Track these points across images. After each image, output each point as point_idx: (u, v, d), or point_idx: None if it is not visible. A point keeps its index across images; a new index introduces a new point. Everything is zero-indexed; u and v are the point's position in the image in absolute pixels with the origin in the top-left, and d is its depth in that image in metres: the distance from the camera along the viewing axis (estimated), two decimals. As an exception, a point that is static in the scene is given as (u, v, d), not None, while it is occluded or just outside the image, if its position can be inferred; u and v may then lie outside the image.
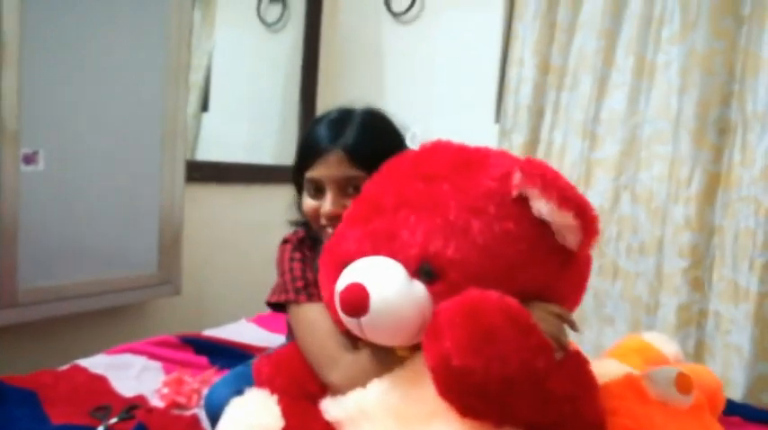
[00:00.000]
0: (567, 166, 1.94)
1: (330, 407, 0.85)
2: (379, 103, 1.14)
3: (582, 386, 0.75)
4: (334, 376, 0.89)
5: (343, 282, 0.77)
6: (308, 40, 2.45)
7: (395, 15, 2.34)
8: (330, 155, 0.98)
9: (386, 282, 0.75)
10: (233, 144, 2.35)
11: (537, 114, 2.02)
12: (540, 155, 2.00)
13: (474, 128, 2.11)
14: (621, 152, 1.85)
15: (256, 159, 2.33)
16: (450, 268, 0.75)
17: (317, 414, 0.85)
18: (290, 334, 1.18)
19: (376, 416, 0.78)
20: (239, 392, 0.93)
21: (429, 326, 0.73)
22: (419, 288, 0.76)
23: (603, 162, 1.88)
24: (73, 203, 1.53)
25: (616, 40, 1.87)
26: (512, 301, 0.70)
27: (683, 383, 0.84)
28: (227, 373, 1.16)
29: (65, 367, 1.25)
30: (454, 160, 0.85)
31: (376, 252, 0.80)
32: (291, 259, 1.05)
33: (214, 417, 1.01)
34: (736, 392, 1.60)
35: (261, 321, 1.72)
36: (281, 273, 1.05)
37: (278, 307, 1.06)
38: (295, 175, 1.07)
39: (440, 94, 2.24)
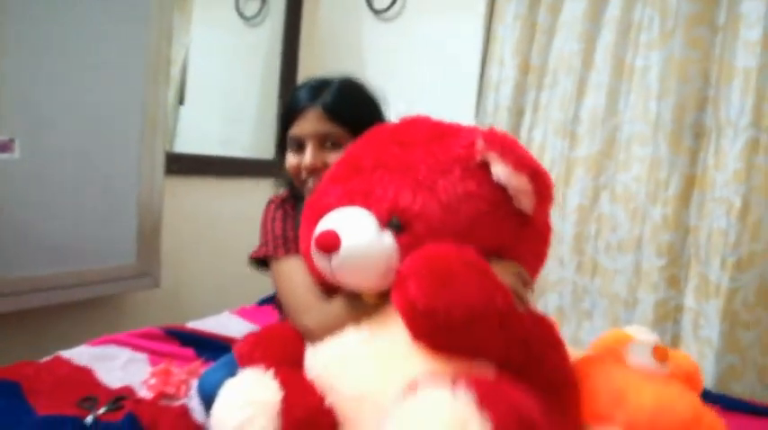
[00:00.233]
0: (546, 165, 1.98)
1: (311, 364, 0.89)
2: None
3: (546, 335, 0.83)
4: (308, 320, 0.94)
5: (319, 228, 0.84)
6: (288, 35, 2.44)
7: (376, 13, 2.35)
8: (309, 112, 1.06)
9: (356, 228, 0.83)
10: (209, 137, 2.32)
11: (517, 114, 2.06)
12: (519, 153, 2.04)
13: (454, 126, 2.13)
14: (601, 152, 1.90)
15: (233, 153, 2.31)
16: (415, 221, 0.84)
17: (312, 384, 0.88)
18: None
19: (357, 360, 0.83)
20: (233, 375, 0.94)
21: (395, 280, 0.78)
22: (388, 238, 0.84)
23: (583, 161, 1.93)
24: (49, 193, 1.48)
25: (595, 43, 1.92)
26: (468, 250, 0.77)
27: (660, 352, 0.90)
28: (219, 360, 1.15)
29: (47, 358, 1.21)
30: (429, 131, 0.93)
31: (352, 205, 0.87)
32: (273, 219, 1.11)
33: (209, 401, 1.01)
34: (706, 382, 1.65)
35: (244, 314, 1.70)
36: (264, 232, 1.11)
37: (259, 264, 1.12)
38: (279, 138, 1.15)
39: (420, 92, 2.25)
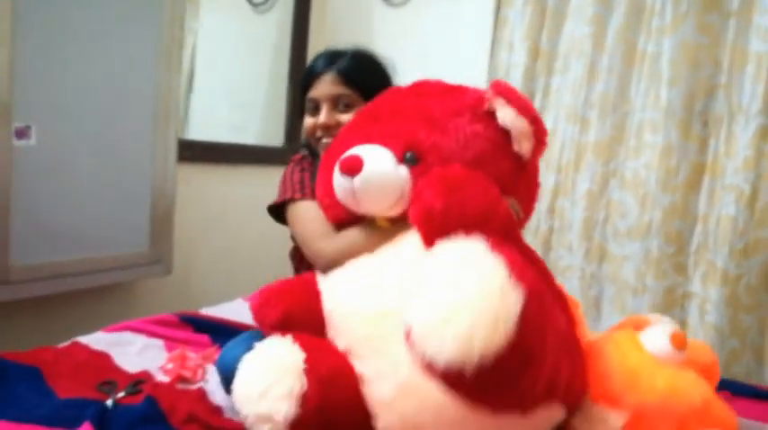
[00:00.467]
0: (556, 150, 1.98)
1: (330, 294, 0.96)
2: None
3: (541, 263, 0.90)
4: (322, 244, 1.04)
5: (343, 156, 0.94)
6: (297, 21, 2.43)
7: (385, -2, 2.34)
8: (325, 76, 1.18)
9: (377, 156, 0.94)
10: (218, 125, 2.33)
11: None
12: (529, 139, 2.04)
13: (464, 112, 2.13)
14: (612, 138, 1.89)
15: (242, 140, 2.32)
16: (428, 154, 0.95)
17: (330, 345, 0.93)
18: None
19: (376, 281, 0.91)
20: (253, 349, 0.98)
21: (413, 195, 0.88)
22: (403, 170, 0.94)
23: (593, 147, 1.92)
24: (65, 180, 1.50)
25: (606, 27, 1.91)
26: (475, 172, 0.87)
27: (678, 339, 0.90)
28: (237, 337, 1.16)
29: (65, 344, 1.23)
30: (443, 86, 1.05)
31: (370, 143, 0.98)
32: (292, 172, 1.22)
33: (229, 376, 1.03)
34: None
35: (256, 300, 1.71)
36: (283, 184, 1.20)
37: (277, 215, 1.21)
38: (299, 102, 1.26)
39: (429, 77, 2.24)
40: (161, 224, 1.75)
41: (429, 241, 0.81)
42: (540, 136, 0.95)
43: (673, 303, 1.80)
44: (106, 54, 1.54)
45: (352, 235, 1.01)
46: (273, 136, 2.42)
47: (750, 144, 1.68)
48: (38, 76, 1.41)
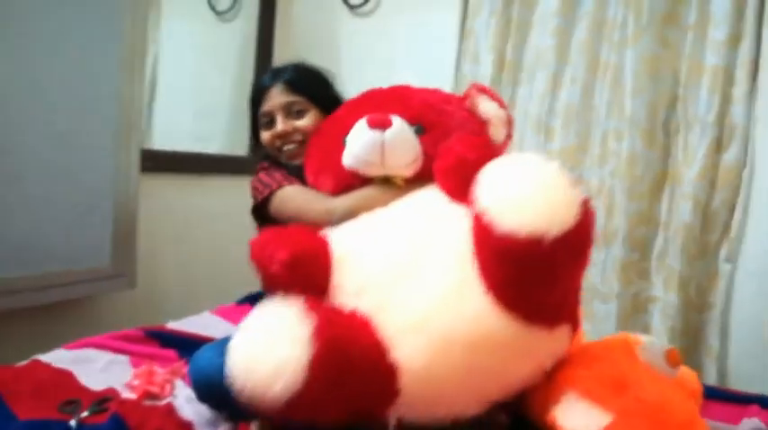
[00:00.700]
0: (522, 159, 2.01)
1: (344, 242, 0.98)
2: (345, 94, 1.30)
3: None
4: (334, 202, 1.08)
5: (369, 116, 1.03)
6: (262, 30, 2.41)
7: (351, 8, 2.34)
8: (273, 90, 1.24)
9: (398, 119, 1.04)
10: (181, 134, 2.28)
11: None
12: (496, 148, 2.07)
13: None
14: (577, 146, 1.93)
15: (206, 150, 2.28)
16: (433, 127, 1.07)
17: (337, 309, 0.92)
18: None
19: (398, 224, 0.99)
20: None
21: (441, 152, 1.01)
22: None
23: (559, 154, 1.96)
24: (21, 193, 1.44)
25: (569, 39, 1.96)
26: None
27: (673, 357, 0.91)
28: (209, 343, 1.14)
29: (24, 362, 1.18)
30: (422, 88, 1.19)
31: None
32: (267, 173, 1.22)
33: (201, 383, 1.03)
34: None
35: (224, 313, 1.68)
36: (259, 184, 1.20)
37: (261, 219, 1.20)
38: (252, 125, 1.31)
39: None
40: (124, 237, 1.70)
41: (457, 189, 0.94)
42: (512, 125, 1.16)
43: (638, 308, 1.85)
44: (66, 63, 1.50)
45: (367, 190, 1.06)
46: (238, 145, 2.38)
47: (706, 154, 1.75)
48: (-8, 84, 1.36)
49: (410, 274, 0.90)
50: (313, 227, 1.04)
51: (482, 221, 0.79)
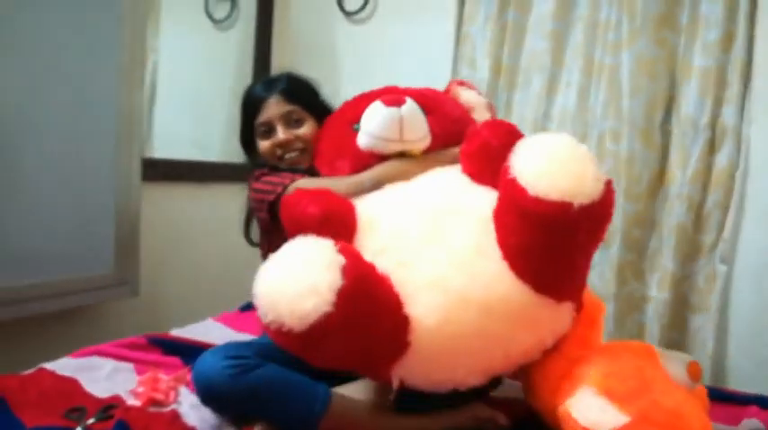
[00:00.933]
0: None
1: (371, 207, 1.04)
2: (332, 102, 1.36)
3: None
4: (359, 176, 1.12)
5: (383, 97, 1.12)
6: (259, 38, 2.43)
7: (347, 15, 2.36)
8: (270, 99, 1.27)
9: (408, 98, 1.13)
10: (181, 142, 2.29)
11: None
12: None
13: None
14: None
15: (205, 158, 2.29)
16: (434, 110, 1.17)
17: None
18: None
19: (424, 191, 1.06)
20: (233, 357, 1.01)
21: (470, 134, 1.08)
22: None
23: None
24: (24, 202, 1.45)
25: (564, 42, 1.97)
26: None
27: (695, 369, 0.92)
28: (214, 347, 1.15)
29: (30, 371, 1.19)
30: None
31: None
32: (268, 176, 1.21)
33: (204, 386, 1.04)
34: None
35: (227, 320, 1.69)
36: (263, 188, 1.19)
37: (274, 221, 1.16)
38: (244, 134, 1.36)
39: (394, 93, 2.27)
40: (126, 245, 1.71)
41: (480, 171, 1.02)
42: (494, 110, 1.30)
43: (633, 307, 1.87)
44: (67, 73, 1.51)
45: (390, 163, 1.12)
46: (237, 152, 2.39)
47: (699, 155, 1.77)
48: (-4, 96, 1.37)
49: (431, 238, 0.96)
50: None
51: (515, 185, 0.86)
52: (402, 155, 1.13)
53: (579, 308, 1.00)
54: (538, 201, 0.84)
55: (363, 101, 1.20)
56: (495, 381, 1.21)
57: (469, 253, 0.93)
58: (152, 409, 1.11)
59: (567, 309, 0.96)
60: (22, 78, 1.42)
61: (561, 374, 0.97)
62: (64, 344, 1.43)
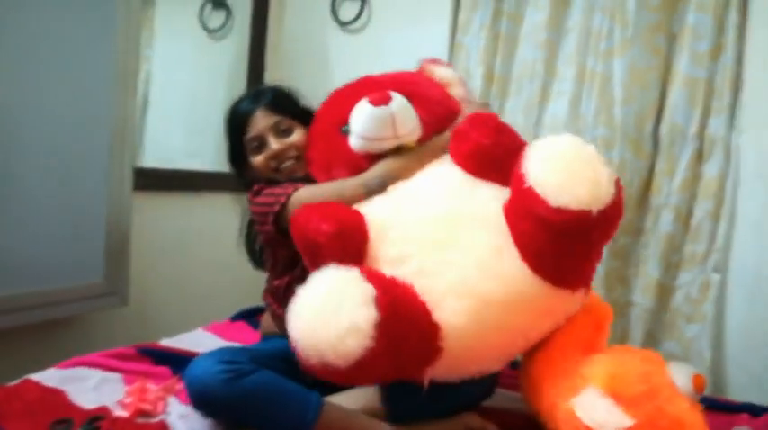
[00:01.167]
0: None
1: (379, 211, 1.05)
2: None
3: None
4: (361, 178, 1.11)
5: (369, 97, 1.10)
6: (253, 48, 2.43)
7: (342, 25, 2.37)
8: (257, 114, 1.27)
9: (394, 92, 1.12)
10: (174, 151, 2.29)
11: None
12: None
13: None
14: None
15: (198, 167, 2.28)
16: (417, 97, 1.17)
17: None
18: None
19: (428, 189, 1.07)
20: (228, 362, 1.00)
21: (457, 134, 1.10)
22: None
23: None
24: (13, 209, 1.44)
25: (557, 51, 1.98)
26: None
27: (699, 381, 0.93)
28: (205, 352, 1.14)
29: (15, 382, 1.17)
30: (387, 74, 1.32)
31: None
32: (268, 189, 1.20)
33: (198, 391, 1.03)
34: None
35: (217, 330, 1.68)
36: (265, 200, 1.18)
37: (280, 233, 1.16)
38: (233, 155, 1.33)
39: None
40: (117, 254, 1.69)
41: (478, 169, 1.04)
42: (466, 86, 1.31)
43: (618, 314, 1.87)
44: (59, 82, 1.50)
45: (390, 160, 1.12)
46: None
47: (687, 165, 1.78)
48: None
49: (447, 243, 0.98)
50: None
51: (533, 194, 0.89)
52: (397, 149, 1.14)
53: (589, 288, 1.07)
54: (559, 212, 0.87)
55: (343, 99, 1.21)
56: (488, 392, 1.21)
57: (487, 255, 0.96)
58: (140, 420, 1.09)
59: (580, 293, 1.03)
60: (14, 86, 1.42)
61: (566, 374, 0.98)
62: (52, 354, 1.41)
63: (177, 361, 1.37)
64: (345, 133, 1.16)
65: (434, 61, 1.32)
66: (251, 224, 1.34)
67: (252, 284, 1.60)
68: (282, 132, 1.27)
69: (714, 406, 1.32)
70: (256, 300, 1.52)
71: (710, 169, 1.76)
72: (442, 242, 0.98)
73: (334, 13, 2.38)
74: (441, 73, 1.28)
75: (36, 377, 1.20)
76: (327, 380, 0.89)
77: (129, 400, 1.14)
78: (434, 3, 2.20)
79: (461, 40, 2.14)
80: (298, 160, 1.28)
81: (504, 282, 0.94)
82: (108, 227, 1.66)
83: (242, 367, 1.03)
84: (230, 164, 1.36)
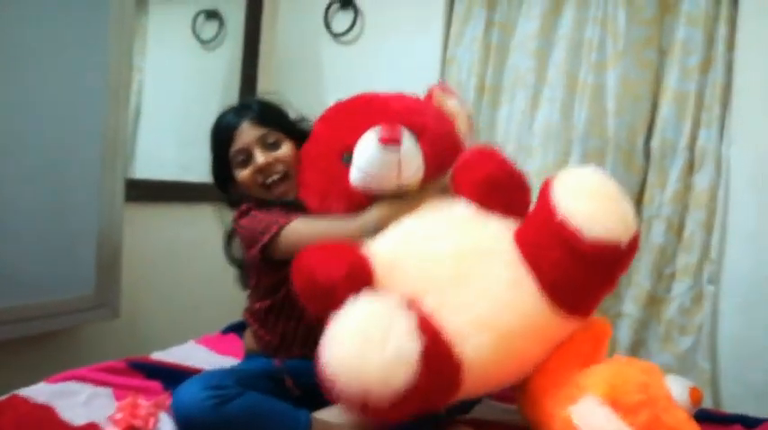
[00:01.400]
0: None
1: (386, 249, 1.03)
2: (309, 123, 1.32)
3: None
4: (362, 219, 1.08)
5: (381, 133, 1.04)
6: (246, 59, 2.43)
7: (334, 36, 2.37)
8: (243, 127, 1.23)
9: (405, 131, 1.07)
10: (165, 163, 2.28)
11: (475, 133, 2.11)
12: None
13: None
14: (556, 166, 1.96)
15: (190, 178, 2.27)
16: (423, 131, 1.12)
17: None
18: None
19: (435, 227, 1.06)
20: (214, 388, 0.99)
21: (461, 168, 1.10)
22: None
23: (539, 174, 1.98)
24: (3, 222, 1.42)
25: (548, 61, 2.00)
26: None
27: (696, 394, 0.97)
28: (192, 376, 1.13)
29: (3, 397, 1.15)
30: (392, 94, 1.26)
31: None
32: (258, 215, 1.18)
33: (184, 418, 1.02)
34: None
35: (209, 343, 1.66)
36: (253, 228, 1.16)
37: (267, 260, 1.16)
38: (217, 171, 1.30)
39: (380, 113, 2.28)
40: (108, 266, 1.68)
41: (489, 202, 1.04)
42: (471, 121, 1.27)
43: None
44: (51, 93, 1.49)
45: (388, 202, 1.09)
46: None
47: (678, 177, 1.79)
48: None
49: (462, 279, 0.98)
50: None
51: (567, 226, 0.92)
52: (398, 188, 1.10)
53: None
54: (594, 245, 0.90)
55: (347, 120, 1.17)
56: (475, 401, 1.20)
57: (505, 289, 0.97)
58: (130, 436, 1.08)
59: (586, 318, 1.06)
60: (5, 97, 1.41)
61: (564, 383, 0.99)
62: (42, 368, 1.39)
63: (169, 375, 1.36)
64: (346, 163, 1.11)
65: (444, 89, 1.27)
66: (230, 236, 1.32)
67: (244, 297, 1.59)
68: (270, 145, 1.23)
69: (707, 417, 1.32)
70: (248, 312, 1.51)
71: (702, 180, 1.78)
72: (458, 277, 0.98)
73: (326, 24, 2.38)
74: (451, 105, 1.23)
75: (25, 392, 1.17)
76: (363, 412, 0.85)
77: (119, 416, 1.12)
78: (427, 15, 2.22)
79: (454, 52, 2.15)
80: (286, 176, 1.24)
81: (522, 313, 0.96)
82: (99, 238, 1.65)
83: (228, 392, 1.02)
84: (215, 179, 1.32)
